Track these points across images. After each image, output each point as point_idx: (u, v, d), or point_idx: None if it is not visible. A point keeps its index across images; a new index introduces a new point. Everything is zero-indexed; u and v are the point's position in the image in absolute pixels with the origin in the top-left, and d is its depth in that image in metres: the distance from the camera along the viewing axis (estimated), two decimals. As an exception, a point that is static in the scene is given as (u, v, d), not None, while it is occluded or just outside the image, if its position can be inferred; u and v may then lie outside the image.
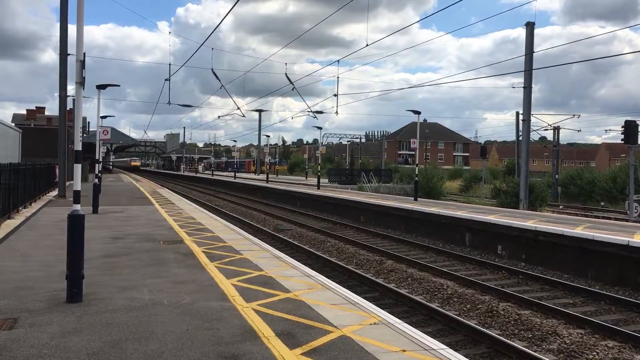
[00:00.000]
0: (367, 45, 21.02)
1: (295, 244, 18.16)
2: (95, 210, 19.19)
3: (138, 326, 6.24)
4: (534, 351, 8.20)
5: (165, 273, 9.25)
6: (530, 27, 28.39)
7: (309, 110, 39.80)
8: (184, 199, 29.81)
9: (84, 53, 7.50)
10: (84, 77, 7.56)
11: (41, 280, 8.49)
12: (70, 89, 32.37)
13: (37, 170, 23.98)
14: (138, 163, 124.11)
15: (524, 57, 28.08)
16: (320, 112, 41.83)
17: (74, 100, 21.16)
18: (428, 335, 6.71)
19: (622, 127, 27.63)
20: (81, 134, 7.95)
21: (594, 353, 8.26)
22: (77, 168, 7.73)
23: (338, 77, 33.32)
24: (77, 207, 7.46)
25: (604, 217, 27.13)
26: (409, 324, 7.44)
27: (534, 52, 27.74)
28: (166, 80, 32.68)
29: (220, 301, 7.43)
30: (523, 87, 28.92)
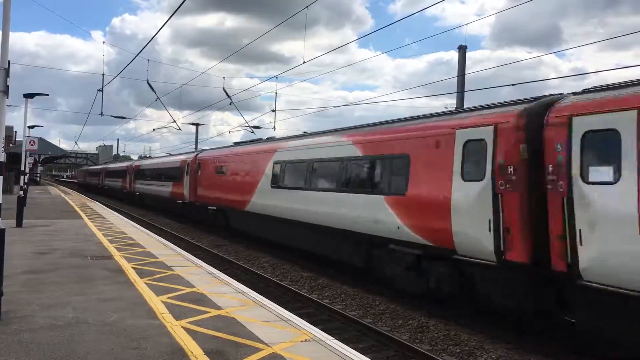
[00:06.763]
0: (304, 62, 21.23)
1: (229, 259, 17.93)
2: (19, 224, 18.40)
3: (59, 346, 5.99)
4: (462, 366, 8.39)
5: (92, 290, 8.95)
6: (462, 50, 29.33)
7: (246, 124, 39.56)
8: (115, 212, 28.96)
9: (9, 61, 7.24)
10: (8, 86, 7.30)
11: (-44, 298, 8.03)
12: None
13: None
14: None
15: (456, 78, 29.01)
16: (258, 127, 41.73)
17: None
18: (359, 351, 6.76)
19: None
20: (4, 144, 7.64)
21: (518, 367, 8.52)
22: (-2, 180, 7.40)
23: (276, 93, 33.39)
24: (-3, 220, 7.13)
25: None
26: (341, 340, 7.48)
27: (465, 74, 28.69)
28: (99, 90, 31.73)
29: (148, 319, 7.24)
30: (455, 108, 29.83)
